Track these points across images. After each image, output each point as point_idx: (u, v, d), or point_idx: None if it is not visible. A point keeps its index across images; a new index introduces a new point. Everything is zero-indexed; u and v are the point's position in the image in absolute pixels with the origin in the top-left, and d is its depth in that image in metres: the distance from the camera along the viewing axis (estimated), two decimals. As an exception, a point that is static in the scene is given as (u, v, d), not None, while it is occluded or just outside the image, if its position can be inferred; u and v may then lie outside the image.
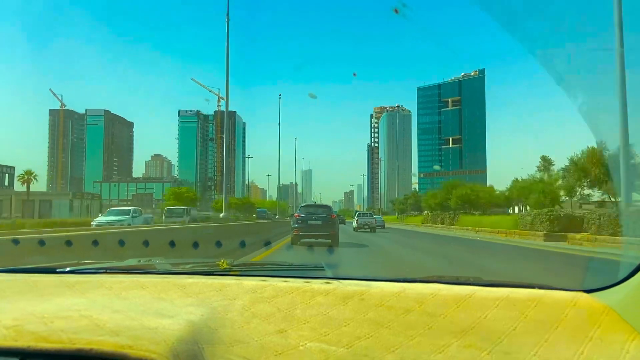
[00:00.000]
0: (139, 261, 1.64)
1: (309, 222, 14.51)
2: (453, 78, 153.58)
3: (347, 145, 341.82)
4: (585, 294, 1.00)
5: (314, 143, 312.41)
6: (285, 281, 1.14)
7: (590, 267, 5.81)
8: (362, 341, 0.86)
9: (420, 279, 1.14)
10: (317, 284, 1.10)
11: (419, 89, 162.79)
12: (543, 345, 0.83)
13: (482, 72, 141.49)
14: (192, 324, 0.88)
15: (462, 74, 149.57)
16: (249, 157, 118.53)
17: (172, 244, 3.76)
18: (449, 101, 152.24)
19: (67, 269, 1.37)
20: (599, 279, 1.02)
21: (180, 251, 4.85)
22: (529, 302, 0.97)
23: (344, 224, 43.99)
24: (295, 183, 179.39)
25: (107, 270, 1.37)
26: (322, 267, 1.49)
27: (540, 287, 1.06)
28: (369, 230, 28.98)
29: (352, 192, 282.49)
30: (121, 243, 3.89)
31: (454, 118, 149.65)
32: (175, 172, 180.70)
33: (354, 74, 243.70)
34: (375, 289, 1.07)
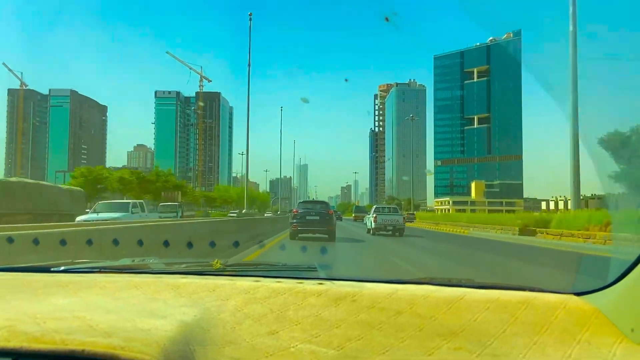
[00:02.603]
0: (133, 261, 1.83)
1: (307, 217, 17.04)
2: (479, 44, 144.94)
3: (345, 139, 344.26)
4: (575, 297, 1.11)
5: (310, 138, 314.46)
6: (278, 282, 1.30)
7: (581, 269, 6.48)
8: (352, 343, 0.95)
9: (413, 280, 1.30)
10: (309, 285, 1.24)
11: (435, 58, 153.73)
12: (532, 348, 0.92)
13: (517, 33, 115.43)
14: (184, 324, 0.96)
15: (490, 38, 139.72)
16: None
17: (166, 243, 4.53)
18: (474, 72, 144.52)
19: (61, 268, 1.54)
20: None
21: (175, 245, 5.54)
22: (520, 305, 1.07)
23: (341, 220, 45.44)
24: (291, 177, 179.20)
25: (101, 270, 1.53)
26: (315, 267, 1.68)
27: (532, 290, 1.18)
28: (391, 232, 22.75)
29: (349, 186, 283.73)
30: (115, 242, 4.62)
31: (481, 92, 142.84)
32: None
33: (346, 80, 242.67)
34: (368, 290, 1.19)
